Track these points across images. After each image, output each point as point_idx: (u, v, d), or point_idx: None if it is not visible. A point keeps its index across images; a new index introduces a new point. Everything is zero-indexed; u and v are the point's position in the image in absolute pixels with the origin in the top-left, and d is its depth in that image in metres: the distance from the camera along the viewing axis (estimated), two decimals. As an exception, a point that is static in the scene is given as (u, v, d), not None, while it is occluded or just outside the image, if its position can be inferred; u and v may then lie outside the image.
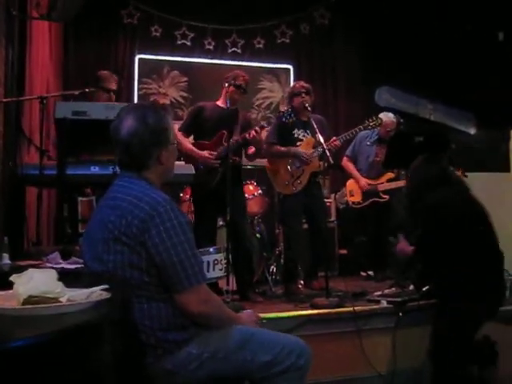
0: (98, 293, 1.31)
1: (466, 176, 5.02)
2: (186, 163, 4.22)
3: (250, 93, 7.09)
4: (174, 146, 2.11)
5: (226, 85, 4.38)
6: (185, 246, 1.88)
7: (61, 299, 1.23)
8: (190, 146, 4.34)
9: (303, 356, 2.09)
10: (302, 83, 4.72)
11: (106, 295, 1.30)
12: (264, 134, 4.53)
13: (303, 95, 4.55)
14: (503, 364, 3.86)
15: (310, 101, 4.56)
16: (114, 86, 4.65)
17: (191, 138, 4.51)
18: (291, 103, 4.66)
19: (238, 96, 4.40)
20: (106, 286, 1.36)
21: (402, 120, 5.36)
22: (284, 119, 4.37)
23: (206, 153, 4.28)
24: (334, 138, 4.50)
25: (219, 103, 4.49)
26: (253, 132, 4.19)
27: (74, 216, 4.04)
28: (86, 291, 1.31)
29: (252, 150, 4.46)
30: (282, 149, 4.60)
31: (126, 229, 1.85)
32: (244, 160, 4.68)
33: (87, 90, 4.30)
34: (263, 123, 4.50)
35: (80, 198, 4.12)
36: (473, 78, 6.42)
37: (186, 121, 4.54)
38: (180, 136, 4.29)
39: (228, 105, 4.31)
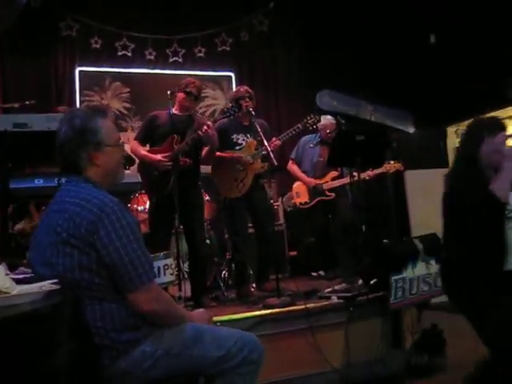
0: (48, 286, 1.32)
1: (403, 170, 5.23)
2: (139, 169, 4.22)
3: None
4: (111, 149, 2.07)
5: (178, 92, 4.40)
6: (134, 246, 1.89)
7: (11, 293, 1.23)
8: (144, 152, 4.30)
9: (256, 350, 2.12)
10: (246, 88, 4.75)
11: (56, 287, 1.31)
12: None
13: (247, 99, 4.60)
14: (450, 351, 4.01)
15: (252, 105, 4.61)
16: None
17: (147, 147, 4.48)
18: None
19: (189, 103, 4.38)
20: (55, 280, 1.36)
21: (343, 121, 5.48)
22: (229, 114, 4.40)
23: (158, 156, 4.24)
24: (274, 138, 4.54)
25: (173, 110, 4.43)
26: (204, 127, 4.13)
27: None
28: (36, 285, 1.31)
29: (204, 151, 4.43)
30: (225, 154, 4.61)
31: (74, 231, 1.85)
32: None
33: (27, 102, 4.25)
34: (214, 118, 4.50)
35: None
36: (408, 78, 6.64)
37: (141, 130, 4.51)
38: (134, 144, 4.32)
39: (180, 111, 4.37)
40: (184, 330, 2.04)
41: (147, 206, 4.83)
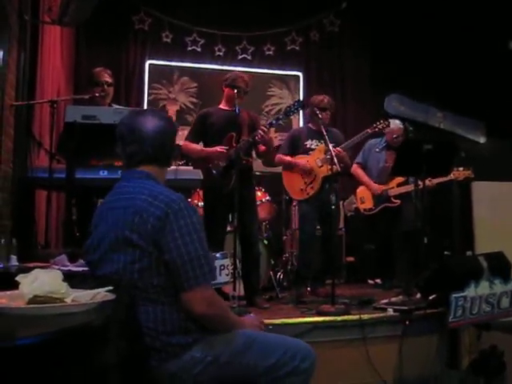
0: (102, 294, 1.32)
1: (473, 178, 5.05)
2: (194, 168, 4.22)
3: (260, 99, 7.15)
4: None
5: (224, 87, 4.37)
6: (196, 245, 1.88)
7: (66, 300, 1.24)
8: (200, 147, 4.32)
9: (307, 359, 2.07)
10: (329, 98, 4.82)
11: (110, 296, 1.31)
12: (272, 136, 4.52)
13: (327, 112, 4.73)
14: (511, 375, 3.84)
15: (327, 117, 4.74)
16: (107, 78, 4.54)
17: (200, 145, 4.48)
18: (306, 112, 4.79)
19: (238, 99, 4.28)
20: (110, 288, 1.36)
21: (411, 128, 5.34)
22: (292, 113, 4.38)
23: (217, 148, 4.21)
24: (337, 148, 4.54)
25: (222, 106, 4.44)
26: (260, 132, 4.13)
27: (83, 219, 4.04)
28: (91, 292, 1.32)
29: (262, 147, 4.39)
30: (287, 159, 4.72)
31: (139, 226, 1.85)
32: (255, 164, 4.67)
33: (97, 94, 4.33)
34: (269, 121, 4.43)
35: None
36: (482, 86, 6.41)
37: (193, 129, 4.48)
38: (188, 143, 4.32)
39: (229, 107, 4.34)
40: (235, 337, 2.01)
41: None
